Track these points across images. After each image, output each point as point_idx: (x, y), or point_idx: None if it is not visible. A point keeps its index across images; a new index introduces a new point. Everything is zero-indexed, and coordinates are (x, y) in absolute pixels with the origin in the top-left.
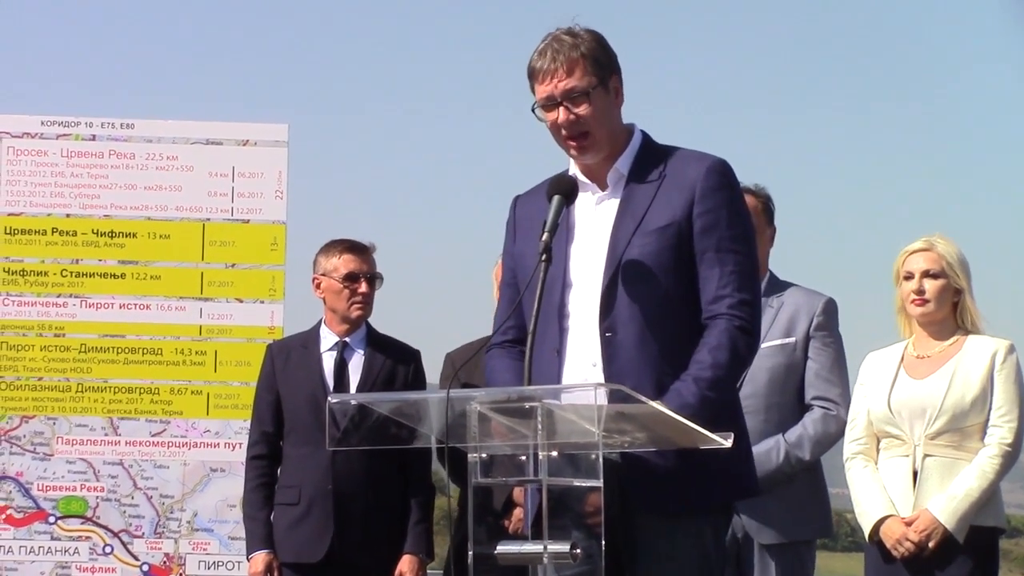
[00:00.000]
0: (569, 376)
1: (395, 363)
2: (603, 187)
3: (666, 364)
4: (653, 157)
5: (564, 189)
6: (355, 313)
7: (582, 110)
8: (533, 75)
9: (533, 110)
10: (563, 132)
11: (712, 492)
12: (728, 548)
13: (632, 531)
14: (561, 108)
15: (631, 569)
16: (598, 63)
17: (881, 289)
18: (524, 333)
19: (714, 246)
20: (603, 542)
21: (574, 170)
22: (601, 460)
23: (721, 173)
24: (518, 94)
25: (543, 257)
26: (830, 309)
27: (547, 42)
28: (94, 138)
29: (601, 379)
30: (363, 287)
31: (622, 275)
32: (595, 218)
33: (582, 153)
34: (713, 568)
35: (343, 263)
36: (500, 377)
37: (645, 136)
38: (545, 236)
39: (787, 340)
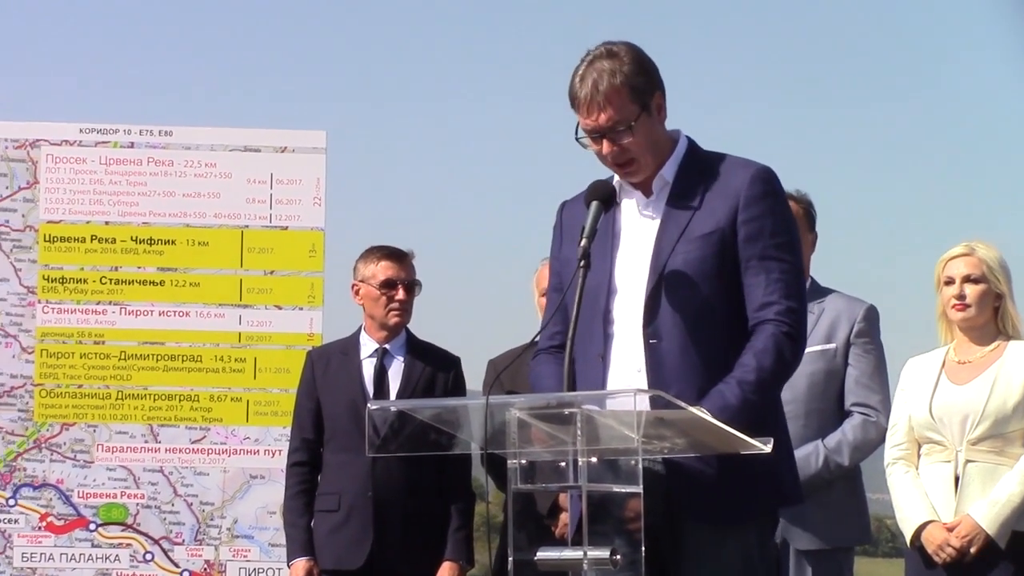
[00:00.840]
0: (613, 382)
1: (435, 370)
2: (648, 194)
3: (709, 371)
4: (698, 164)
5: (602, 195)
6: (392, 320)
7: (627, 142)
8: (574, 103)
9: (577, 138)
10: (609, 160)
11: (757, 500)
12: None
13: (678, 539)
14: (605, 141)
15: (676, 573)
16: (638, 89)
17: (922, 296)
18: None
19: (759, 254)
20: (643, 548)
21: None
22: (641, 466)
23: (766, 181)
24: (561, 100)
25: (581, 263)
26: (871, 316)
27: (586, 66)
28: (132, 145)
29: (644, 386)
30: (400, 294)
31: (666, 282)
32: (640, 225)
33: (631, 176)
34: (759, 574)
35: (381, 270)
36: (544, 382)
37: (690, 143)
38: (584, 242)
39: (827, 346)
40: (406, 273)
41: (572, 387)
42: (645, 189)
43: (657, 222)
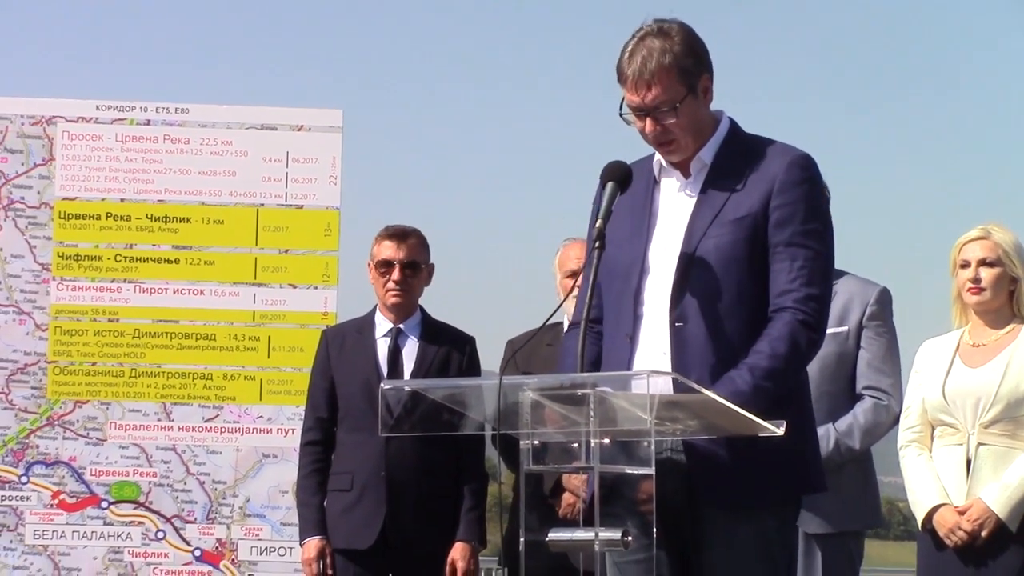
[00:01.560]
0: (640, 363)
1: (449, 349)
2: (687, 175)
3: (734, 356)
4: (738, 147)
5: (619, 176)
6: (391, 300)
7: (670, 122)
8: (621, 78)
9: (621, 114)
10: (651, 138)
11: (777, 486)
12: None
13: (698, 522)
14: (649, 119)
15: (697, 560)
16: (686, 70)
17: (937, 278)
18: (603, 312)
19: (787, 240)
20: (661, 531)
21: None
22: (653, 447)
23: (803, 167)
24: (582, 81)
25: (596, 244)
26: (884, 299)
27: (636, 42)
28: (148, 123)
29: (669, 368)
30: (396, 274)
31: (695, 265)
32: (676, 205)
33: (670, 155)
34: (778, 562)
35: (380, 250)
36: (569, 358)
37: (733, 125)
38: (599, 223)
39: (840, 329)
40: (404, 253)
41: (585, 366)
42: (684, 169)
43: (693, 203)
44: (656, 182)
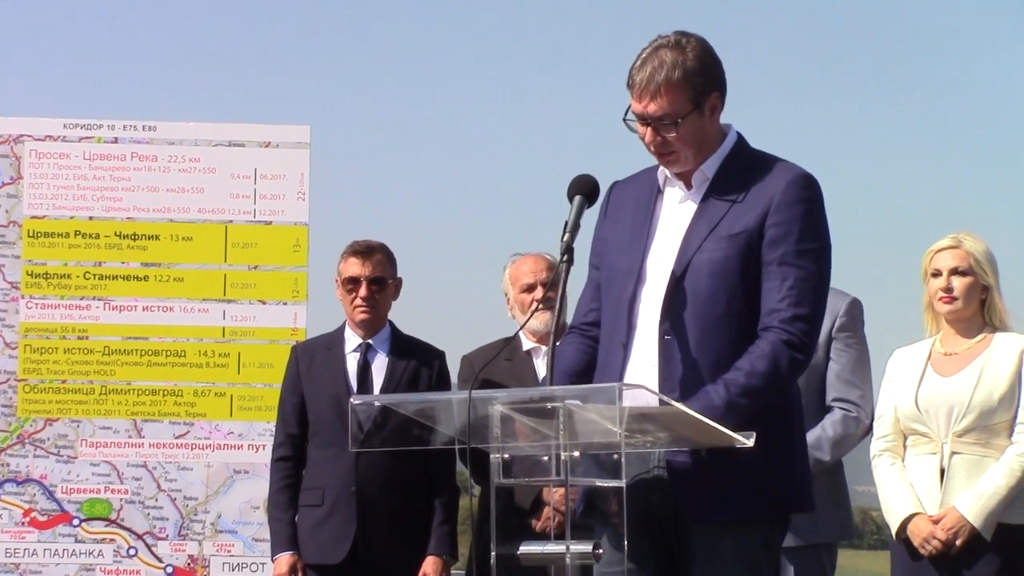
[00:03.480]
0: (632, 372)
1: (419, 364)
2: (688, 186)
3: (721, 372)
4: (742, 163)
5: (586, 190)
6: (358, 317)
7: (670, 135)
8: (630, 84)
9: (625, 119)
10: (651, 148)
11: (763, 503)
12: None
13: (684, 537)
14: (650, 129)
15: (684, 575)
16: (695, 87)
17: (907, 287)
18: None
19: (779, 259)
20: (624, 543)
21: None
22: (623, 460)
23: (802, 187)
24: (546, 98)
25: (564, 259)
26: (854, 310)
27: (650, 51)
28: (116, 140)
29: (656, 380)
30: (362, 291)
31: (688, 278)
32: (676, 216)
33: (669, 166)
34: None
35: (346, 267)
36: (563, 362)
37: (739, 139)
38: (566, 237)
39: None
40: (370, 270)
41: (575, 374)
42: (687, 181)
43: (691, 215)
44: (660, 191)
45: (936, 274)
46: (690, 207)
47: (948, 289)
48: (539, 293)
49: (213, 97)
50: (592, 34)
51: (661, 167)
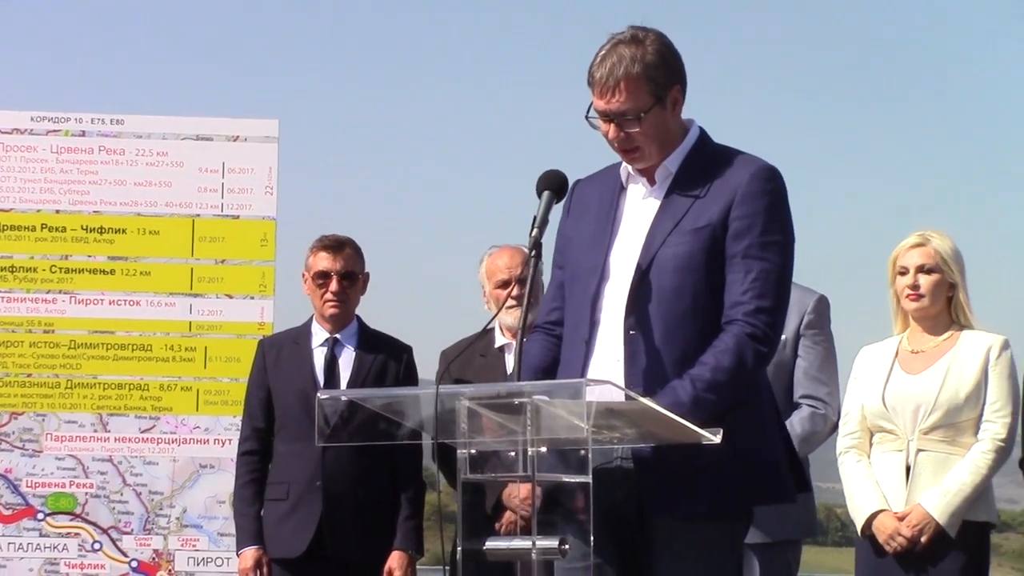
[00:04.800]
0: (594, 369)
1: (386, 359)
2: (652, 182)
3: (686, 367)
4: (704, 157)
5: (554, 185)
6: (328, 311)
7: (634, 130)
8: (591, 81)
9: (587, 117)
10: (614, 145)
11: (729, 498)
12: None
13: (647, 531)
14: (613, 125)
15: (647, 569)
16: (656, 81)
17: (874, 285)
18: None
19: (742, 252)
20: (591, 538)
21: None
22: (590, 455)
23: (765, 180)
24: (517, 89)
25: (532, 254)
26: (821, 307)
27: (609, 47)
28: (84, 134)
29: (621, 376)
30: (333, 285)
31: (652, 274)
32: (640, 212)
33: (633, 162)
34: (726, 573)
35: (316, 261)
36: (529, 359)
37: (701, 134)
38: (535, 232)
39: None
40: (341, 264)
41: (540, 371)
42: (650, 177)
43: (655, 211)
44: (623, 188)
45: (903, 272)
46: (654, 203)
47: (915, 287)
48: (515, 288)
49: (181, 91)
50: (564, 28)
51: (624, 164)
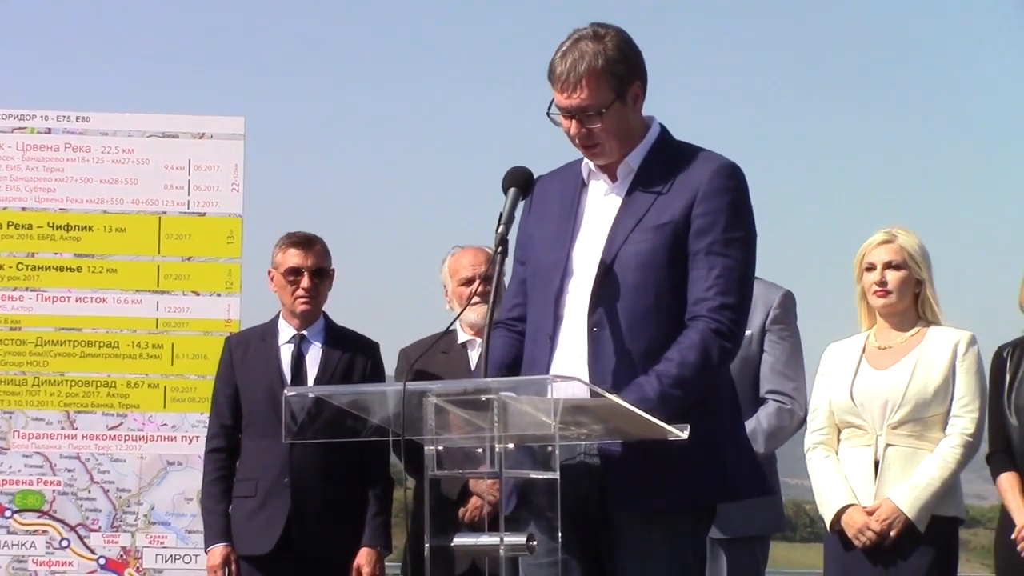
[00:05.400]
0: (558, 365)
1: (353, 356)
2: (614, 179)
3: (649, 363)
4: (665, 154)
5: (520, 182)
6: (299, 308)
7: (595, 126)
8: (552, 77)
9: (548, 113)
10: (576, 141)
11: (693, 493)
12: None
13: (611, 527)
14: (575, 121)
15: (610, 564)
16: (617, 76)
17: (840, 281)
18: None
19: (705, 248)
20: (559, 534)
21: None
22: (557, 451)
23: (727, 176)
24: (483, 86)
25: (499, 250)
26: (787, 302)
27: (570, 44)
28: (49, 131)
29: (585, 372)
30: (305, 282)
31: (614, 271)
32: (602, 209)
33: (594, 158)
34: (690, 568)
35: (287, 258)
36: (493, 355)
37: (662, 131)
38: (501, 229)
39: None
40: (312, 261)
41: (504, 367)
42: (611, 174)
43: (617, 208)
44: (585, 184)
45: (870, 268)
46: (615, 199)
47: (882, 283)
48: (479, 286)
49: (147, 88)
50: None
51: (585, 160)
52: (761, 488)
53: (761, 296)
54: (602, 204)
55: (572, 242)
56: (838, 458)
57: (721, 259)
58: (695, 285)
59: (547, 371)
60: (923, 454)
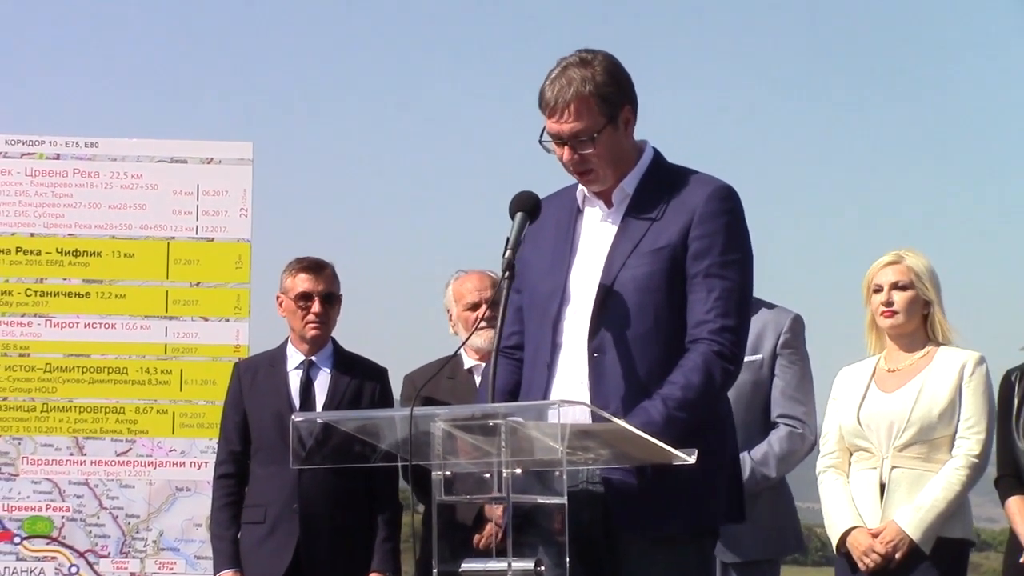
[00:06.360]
0: (557, 392)
1: (362, 381)
2: (609, 204)
3: (652, 387)
4: (660, 178)
5: (527, 207)
6: (310, 333)
7: (588, 152)
8: (542, 105)
9: (541, 141)
10: (569, 168)
11: (695, 515)
12: None
13: (616, 553)
14: (567, 147)
15: None
16: (608, 100)
17: (850, 305)
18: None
19: (704, 271)
20: (567, 560)
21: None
22: (565, 476)
23: (723, 199)
24: (488, 114)
25: (506, 275)
26: (797, 327)
27: (559, 71)
28: (58, 157)
29: (587, 398)
30: (316, 307)
31: (613, 296)
32: (598, 235)
33: (589, 184)
34: None
35: (297, 283)
36: (496, 380)
37: (656, 155)
38: (508, 254)
39: (754, 357)
40: (323, 286)
41: (505, 394)
42: (607, 199)
43: (613, 233)
44: (579, 211)
45: (878, 289)
46: (611, 225)
47: (889, 303)
48: (485, 311)
49: (155, 113)
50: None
51: (580, 186)
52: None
53: (771, 320)
54: (598, 230)
55: (569, 268)
56: (848, 481)
57: (720, 281)
58: (695, 308)
59: (545, 397)
60: (929, 476)
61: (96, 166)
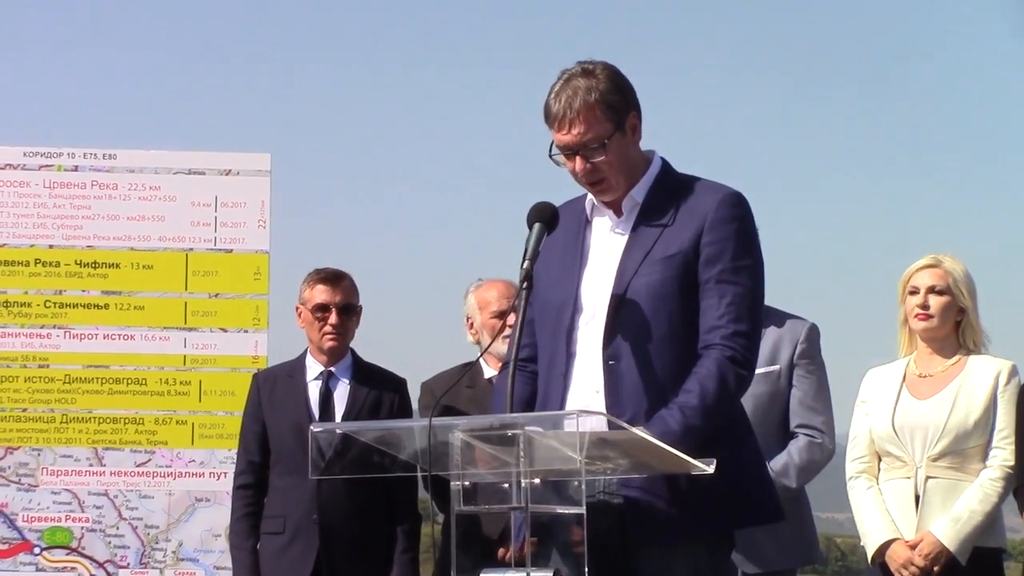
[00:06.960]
0: (573, 401)
1: (381, 392)
2: (619, 214)
3: (668, 394)
4: (669, 186)
5: (545, 217)
6: (327, 344)
7: (599, 160)
8: (549, 118)
9: (551, 155)
10: (581, 178)
11: (711, 521)
12: None
13: (631, 560)
14: (578, 158)
15: None
16: (613, 107)
17: (862, 311)
18: (537, 351)
19: (716, 277)
20: (586, 570)
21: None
22: (584, 486)
23: (733, 205)
24: (502, 124)
25: (523, 285)
26: (813, 336)
27: (562, 83)
28: (76, 169)
29: (603, 406)
30: (333, 318)
31: (627, 304)
32: (608, 244)
33: (601, 195)
34: None
35: (315, 294)
36: (501, 398)
37: (664, 164)
38: (526, 264)
39: (771, 368)
40: (340, 297)
41: (520, 405)
42: (616, 209)
43: (624, 242)
44: (588, 221)
45: (913, 292)
46: (622, 234)
47: (924, 306)
48: (512, 319)
49: (173, 125)
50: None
51: (589, 197)
52: (777, 513)
53: (787, 331)
54: (608, 239)
55: (580, 278)
56: (880, 489)
57: (732, 287)
58: (707, 314)
59: (561, 407)
60: (964, 486)
61: (114, 178)
